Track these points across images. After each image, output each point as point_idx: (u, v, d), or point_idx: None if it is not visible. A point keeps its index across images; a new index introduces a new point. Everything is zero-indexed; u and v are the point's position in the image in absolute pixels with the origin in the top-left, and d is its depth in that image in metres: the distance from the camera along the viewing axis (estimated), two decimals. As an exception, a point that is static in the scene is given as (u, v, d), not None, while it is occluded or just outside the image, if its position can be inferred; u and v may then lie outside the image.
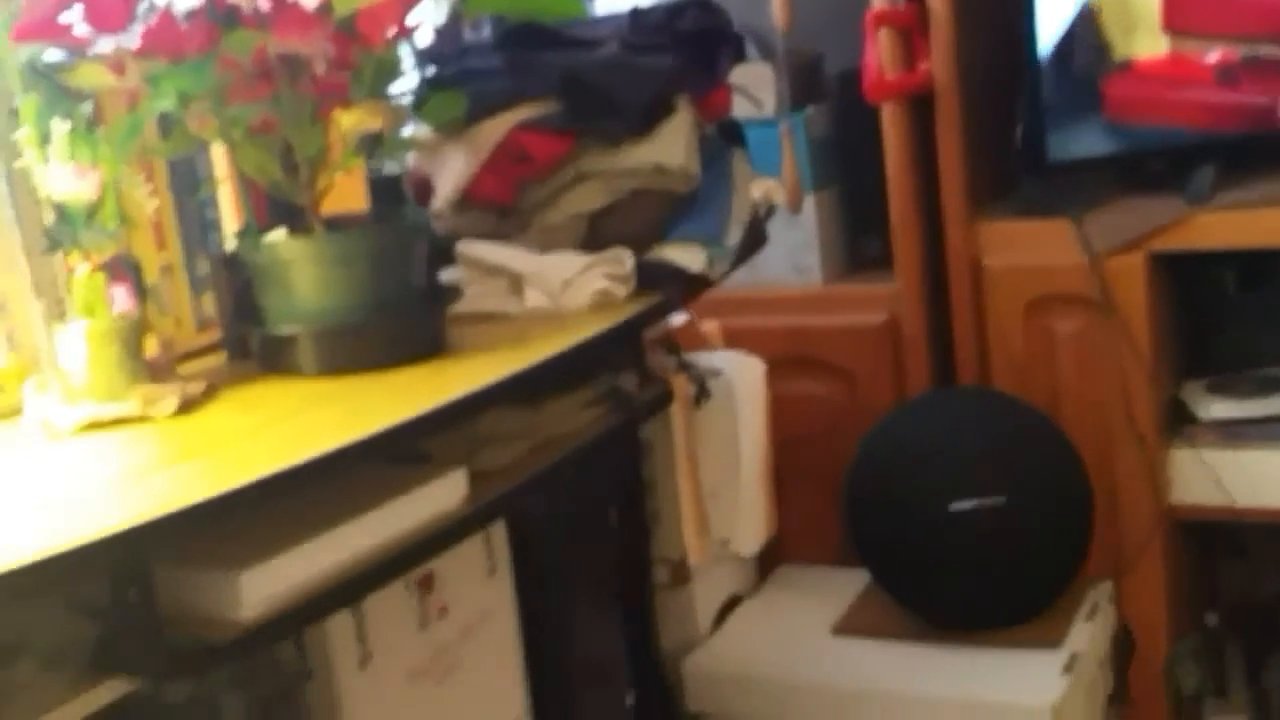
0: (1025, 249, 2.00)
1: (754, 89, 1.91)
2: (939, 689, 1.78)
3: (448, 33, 1.55)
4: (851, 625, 1.95)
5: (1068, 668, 1.77)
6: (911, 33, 1.96)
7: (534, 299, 1.44)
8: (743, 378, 1.90)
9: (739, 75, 1.69)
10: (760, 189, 1.68)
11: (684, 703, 1.89)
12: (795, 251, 2.11)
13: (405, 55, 1.36)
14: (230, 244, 1.39)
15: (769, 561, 2.12)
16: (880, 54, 1.95)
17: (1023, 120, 2.01)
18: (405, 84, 1.38)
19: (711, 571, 1.94)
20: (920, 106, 2.01)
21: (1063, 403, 1.99)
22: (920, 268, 2.06)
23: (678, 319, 1.85)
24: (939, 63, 1.95)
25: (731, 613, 2.01)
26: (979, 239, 2.02)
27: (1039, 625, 1.86)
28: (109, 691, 1.02)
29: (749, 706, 1.87)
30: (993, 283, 2.01)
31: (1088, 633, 1.85)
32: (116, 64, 1.12)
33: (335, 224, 1.28)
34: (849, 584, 2.03)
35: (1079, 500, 1.92)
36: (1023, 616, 1.88)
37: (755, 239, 1.66)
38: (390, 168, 1.54)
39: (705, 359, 1.87)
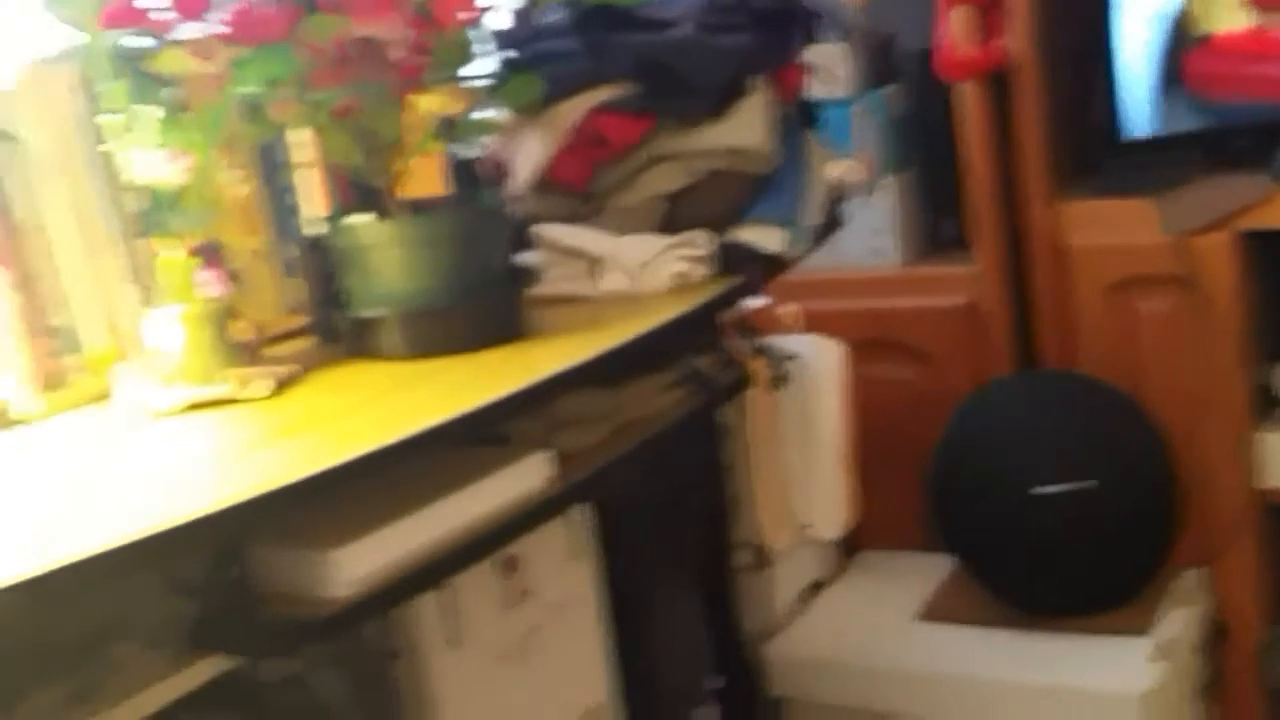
0: (1108, 228, 1.96)
1: (828, 68, 1.89)
2: (1026, 675, 1.75)
3: (523, 15, 1.56)
4: (936, 611, 1.93)
5: (1157, 655, 1.73)
6: (987, 8, 1.93)
7: (612, 281, 1.44)
8: (821, 361, 1.89)
9: (813, 55, 1.67)
10: (837, 169, 1.67)
11: (766, 688, 1.88)
12: (872, 233, 2.09)
13: (481, 38, 1.36)
14: (313, 228, 1.40)
15: (851, 547, 2.11)
16: (954, 30, 1.92)
17: (1102, 96, 1.98)
18: (482, 67, 1.38)
19: (793, 556, 1.93)
20: (997, 84, 1.98)
21: (1148, 385, 1.96)
22: (1000, 249, 2.03)
23: (755, 302, 1.84)
24: (1016, 38, 1.93)
25: (814, 598, 2.00)
26: (1060, 219, 1.99)
27: (1127, 612, 1.83)
28: (207, 669, 1.03)
29: (832, 692, 1.86)
30: (1075, 263, 1.98)
31: (1178, 619, 1.82)
32: (201, 49, 1.14)
33: (416, 208, 1.29)
34: (932, 569, 2.01)
35: (1166, 484, 1.88)
36: (1111, 603, 1.84)
37: (833, 220, 1.65)
38: (469, 151, 1.54)
39: (783, 342, 1.86)
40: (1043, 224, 1.99)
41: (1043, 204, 1.99)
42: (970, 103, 1.99)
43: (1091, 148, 2.03)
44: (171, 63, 1.13)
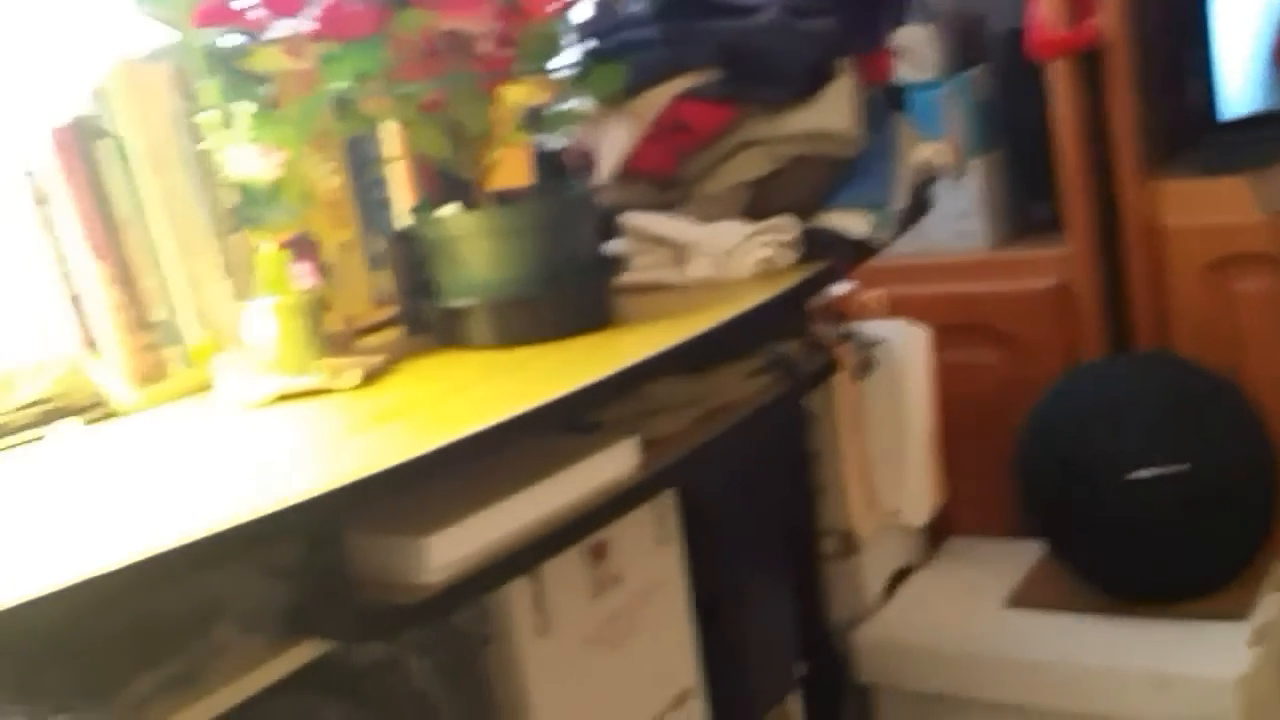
0: (1204, 208, 1.92)
1: (915, 51, 1.87)
2: (1118, 661, 1.73)
3: (606, 5, 1.56)
4: (1026, 597, 1.91)
5: (1255, 640, 1.70)
6: (1078, -15, 1.90)
7: (698, 268, 1.44)
8: (908, 346, 1.87)
9: (900, 38, 1.65)
10: (925, 153, 1.65)
11: (853, 674, 1.87)
12: (959, 217, 2.07)
13: (565, 29, 1.37)
14: (401, 221, 1.42)
15: (937, 533, 2.09)
16: (1046, 9, 1.89)
17: (1199, 74, 1.93)
18: (566, 58, 1.39)
19: (880, 542, 1.92)
20: (1087, 64, 1.95)
21: (1246, 366, 1.91)
22: (1092, 229, 1.99)
23: (841, 287, 1.82)
24: (1107, 16, 1.89)
25: (901, 584, 1.99)
26: (1154, 198, 1.95)
27: (1224, 597, 1.79)
28: (302, 653, 1.05)
29: (920, 678, 1.85)
30: (1170, 243, 1.94)
31: (1276, 604, 1.77)
32: (293, 47, 1.16)
33: (503, 198, 1.30)
34: (1021, 556, 1.98)
35: (1265, 467, 1.83)
36: (1206, 588, 1.81)
37: (920, 204, 1.63)
38: (554, 142, 1.55)
39: (869, 328, 1.84)
40: (1136, 204, 1.95)
41: (1136, 184, 1.95)
42: (1061, 82, 1.95)
43: (1187, 126, 1.98)
44: (264, 60, 1.15)
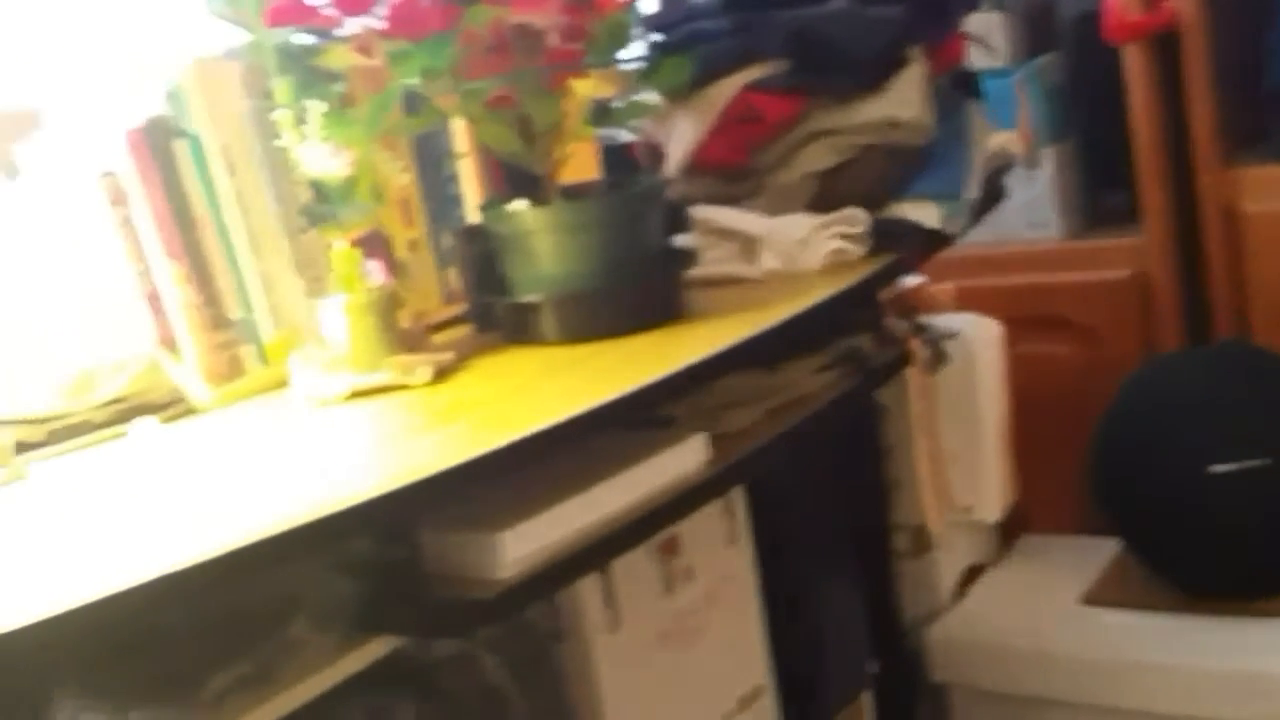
0: (1284, 194, 1.88)
1: (986, 38, 1.84)
2: (1198, 660, 1.69)
3: (674, -2, 1.55)
4: (1102, 594, 1.87)
5: (1342, 639, 1.66)
6: (1155, -32, 1.87)
7: (768, 261, 1.42)
8: (980, 340, 1.85)
9: (971, 24, 1.63)
10: (997, 141, 1.62)
11: (927, 672, 1.85)
12: (1031, 207, 2.04)
13: (635, 22, 1.36)
14: (472, 218, 1.42)
15: (1010, 530, 2.06)
16: (1122, -8, 1.86)
17: (1276, 57, 1.89)
18: (633, 51, 1.38)
19: (952, 539, 1.89)
20: (1163, 48, 1.91)
21: (1331, 356, 1.86)
22: (1169, 217, 1.96)
23: (911, 280, 1.80)
24: (1184, -1, 1.85)
25: (973, 582, 1.96)
26: (1233, 185, 1.91)
27: (1309, 594, 1.75)
28: (375, 650, 1.06)
29: (994, 677, 1.82)
30: (1251, 230, 1.90)
31: (1362, 602, 1.73)
32: (363, 44, 1.16)
33: (571, 192, 1.29)
34: (1097, 553, 1.95)
35: (1353, 461, 1.79)
36: (1292, 585, 1.77)
37: (993, 194, 1.61)
38: (621, 135, 1.54)
39: (941, 321, 1.82)
40: (1214, 191, 1.92)
41: (1214, 170, 1.91)
42: (1136, 67, 1.92)
43: (1268, 111, 1.94)
44: (336, 58, 1.15)
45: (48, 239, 1.22)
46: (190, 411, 1.20)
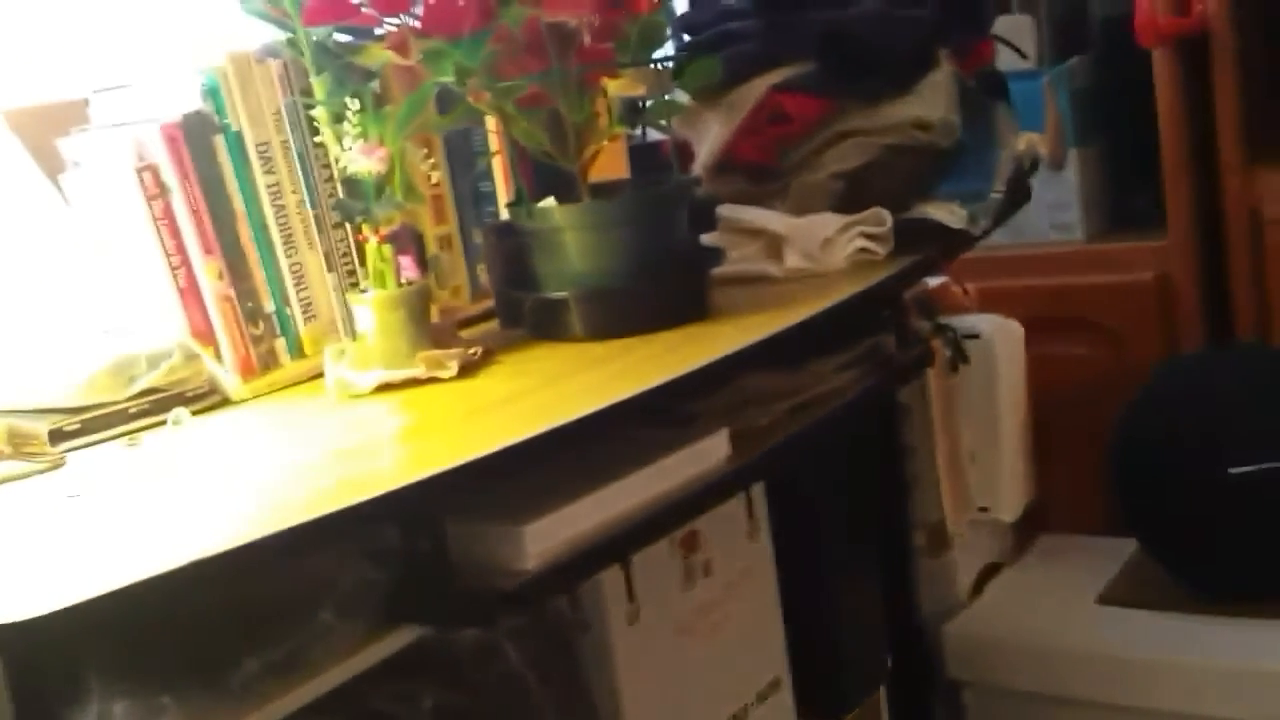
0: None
1: (1015, 40, 1.84)
2: (1215, 660, 1.70)
3: (705, -2, 1.56)
4: (1119, 594, 1.88)
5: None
6: (1186, -28, 1.87)
7: (794, 260, 1.44)
8: (1001, 341, 1.85)
9: (1000, 26, 1.63)
10: (1024, 143, 1.63)
11: (943, 670, 1.86)
12: (1055, 208, 2.04)
13: (668, 21, 1.37)
14: (502, 215, 1.44)
15: (1027, 530, 2.06)
16: (1152, -4, 1.86)
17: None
18: (665, 51, 1.39)
19: (970, 538, 1.90)
20: (1191, 52, 1.91)
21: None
22: (1192, 220, 1.96)
23: (933, 280, 1.81)
24: (1214, 2, 1.85)
25: (990, 581, 1.97)
26: (1259, 188, 1.91)
27: (1327, 597, 1.76)
28: (401, 638, 1.07)
29: (1012, 675, 1.83)
30: (1274, 233, 1.90)
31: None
32: (398, 43, 1.18)
33: (600, 190, 1.31)
34: (1115, 553, 1.96)
35: (1373, 465, 1.79)
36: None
37: (1019, 195, 1.61)
38: (651, 134, 1.55)
39: (962, 321, 1.83)
40: (1239, 194, 1.92)
41: (1240, 172, 1.91)
42: (1163, 70, 1.92)
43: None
44: (372, 56, 1.17)
45: (88, 231, 1.24)
46: (224, 403, 1.22)
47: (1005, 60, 1.69)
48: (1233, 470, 1.75)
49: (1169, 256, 1.99)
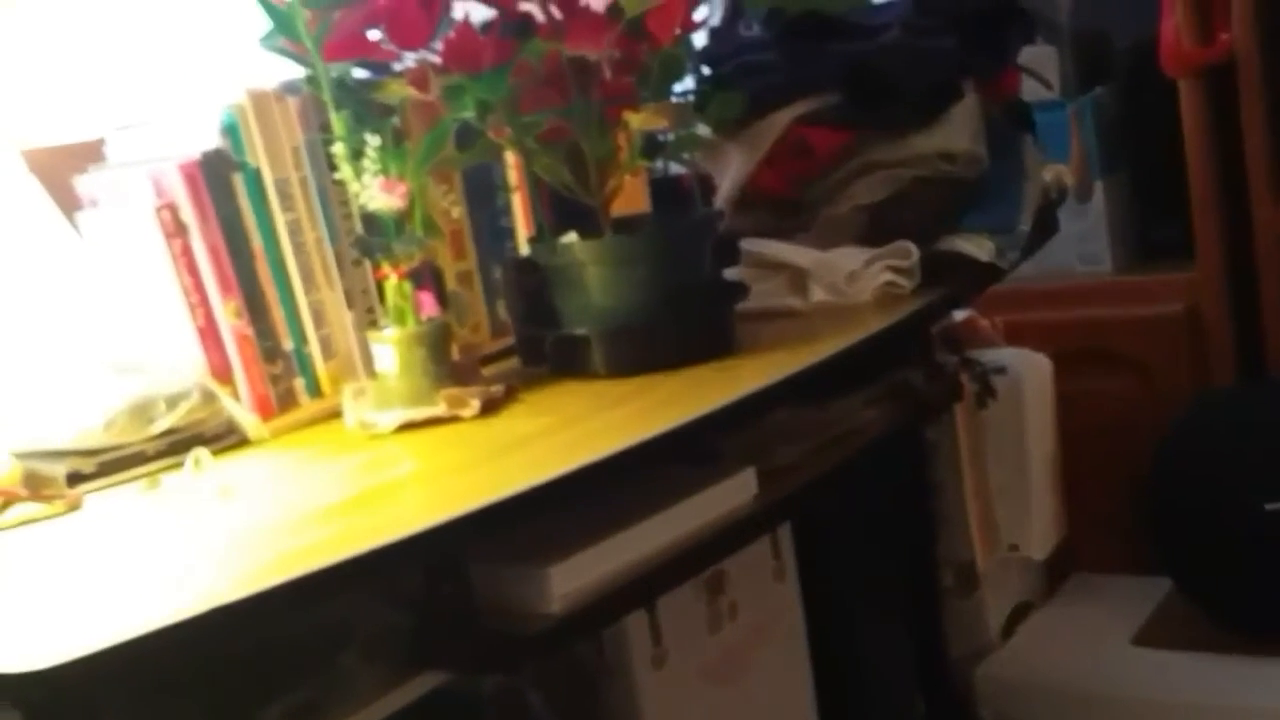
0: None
1: (1040, 70, 1.83)
2: (1252, 701, 1.67)
3: (725, 30, 1.55)
4: (1154, 635, 1.85)
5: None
6: (1210, 2, 1.85)
7: (819, 294, 1.42)
8: (1029, 375, 1.83)
9: (1024, 57, 1.62)
10: (1050, 174, 1.61)
11: (975, 712, 1.83)
12: (1082, 240, 2.02)
13: (688, 55, 1.36)
14: (522, 251, 1.42)
15: (1058, 568, 2.03)
16: (1179, 26, 1.84)
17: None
18: (686, 84, 1.38)
19: (1000, 577, 1.87)
20: (1218, 81, 1.89)
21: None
22: (1222, 251, 1.93)
23: (960, 314, 1.79)
24: (1240, 30, 1.83)
25: (1021, 620, 1.93)
26: (1289, 218, 1.88)
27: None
28: (425, 683, 1.05)
29: (1043, 717, 1.80)
30: (1306, 265, 1.87)
31: None
32: (418, 78, 1.16)
33: (622, 225, 1.29)
34: (1148, 592, 1.93)
35: None
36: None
37: (1047, 227, 1.59)
38: (673, 168, 1.54)
39: (990, 356, 1.80)
40: (1269, 224, 1.89)
41: (1270, 202, 1.89)
42: (1190, 99, 1.90)
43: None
44: (392, 92, 1.16)
45: (105, 270, 1.22)
46: (243, 443, 1.20)
47: (1030, 91, 1.68)
48: (1269, 506, 1.72)
49: (1198, 288, 1.96)
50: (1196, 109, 1.90)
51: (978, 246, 1.47)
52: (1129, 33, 2.00)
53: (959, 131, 1.45)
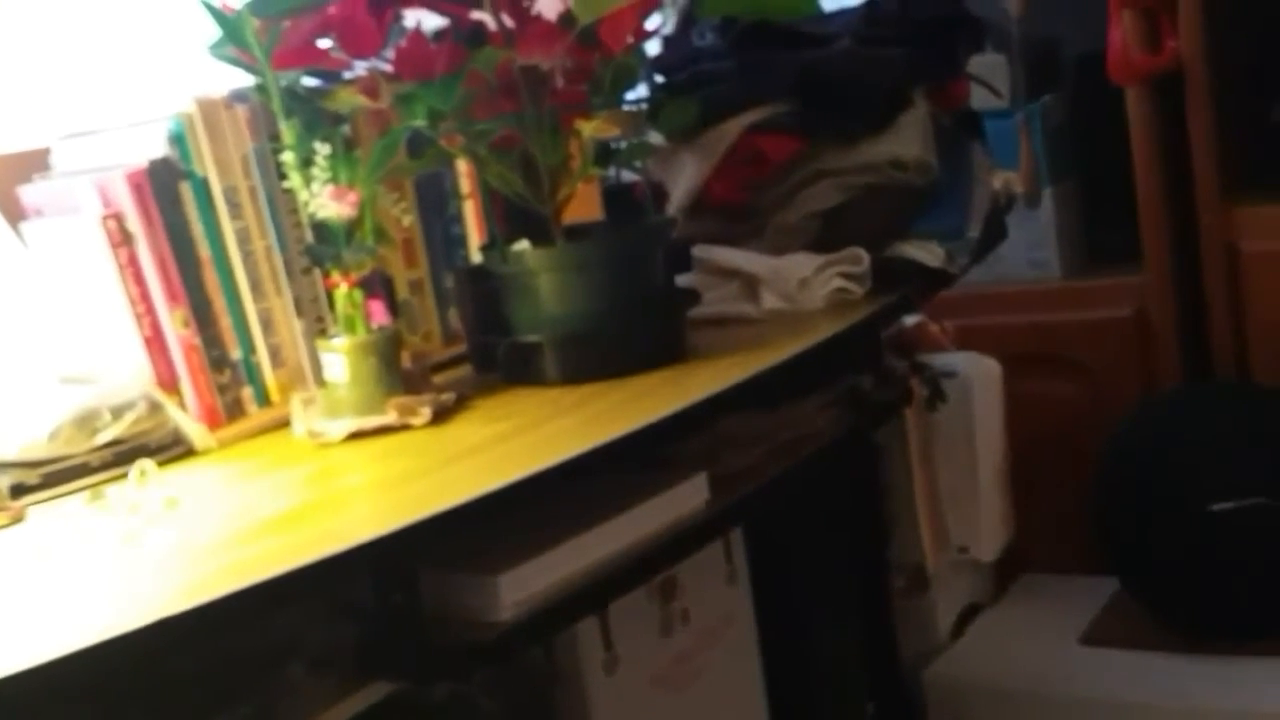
0: (1285, 232, 1.88)
1: (989, 78, 1.85)
2: (1198, 701, 1.69)
3: (678, 39, 1.56)
4: (1101, 635, 1.87)
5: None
6: (1157, 11, 1.87)
7: (770, 301, 1.43)
8: (979, 379, 1.85)
9: (974, 65, 1.64)
10: (999, 181, 1.62)
11: (924, 713, 1.84)
12: (1031, 246, 2.04)
13: (641, 63, 1.36)
14: (474, 258, 1.42)
15: (1008, 570, 2.05)
16: (1126, 35, 1.86)
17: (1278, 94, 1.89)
18: (638, 92, 1.38)
19: (949, 579, 1.89)
20: (1165, 89, 1.92)
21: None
22: (1169, 256, 1.96)
23: (910, 319, 1.80)
24: (1187, 39, 1.86)
25: (970, 622, 1.95)
26: (1235, 223, 1.91)
27: (1308, 635, 1.75)
28: (374, 693, 1.05)
29: (994, 718, 1.81)
30: (1251, 269, 1.90)
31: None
32: (369, 87, 1.16)
33: (574, 232, 1.29)
34: (1096, 592, 1.95)
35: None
36: (1291, 627, 1.76)
37: (996, 233, 1.61)
38: (625, 175, 1.55)
39: (940, 360, 1.82)
40: (1215, 229, 1.92)
41: (1215, 209, 1.91)
42: (1138, 107, 1.92)
43: (1269, 148, 1.94)
44: (342, 100, 1.15)
45: (50, 280, 1.21)
46: (190, 454, 1.19)
47: (979, 99, 1.70)
48: (1214, 507, 1.74)
49: (1146, 293, 1.98)
50: (1144, 117, 1.93)
51: (928, 253, 1.48)
52: (1078, 41, 2.03)
53: (909, 139, 1.46)
